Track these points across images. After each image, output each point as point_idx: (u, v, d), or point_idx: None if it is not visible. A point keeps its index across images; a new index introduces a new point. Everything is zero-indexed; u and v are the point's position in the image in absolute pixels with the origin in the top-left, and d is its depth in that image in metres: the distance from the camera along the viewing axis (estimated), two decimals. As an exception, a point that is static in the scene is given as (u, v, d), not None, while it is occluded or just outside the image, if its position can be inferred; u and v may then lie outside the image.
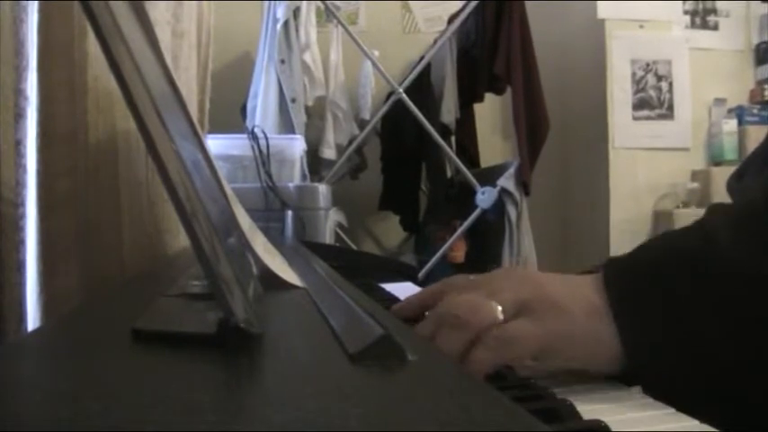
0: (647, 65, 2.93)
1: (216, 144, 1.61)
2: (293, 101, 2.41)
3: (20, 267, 0.54)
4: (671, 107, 2.94)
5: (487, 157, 2.98)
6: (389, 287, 0.80)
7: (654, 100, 2.93)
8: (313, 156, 2.46)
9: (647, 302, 0.40)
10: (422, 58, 2.60)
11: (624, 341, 0.39)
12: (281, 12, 2.39)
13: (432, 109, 2.52)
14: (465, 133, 2.83)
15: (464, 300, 0.43)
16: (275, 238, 1.13)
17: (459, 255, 2.55)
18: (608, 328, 0.40)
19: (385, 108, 2.44)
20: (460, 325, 0.40)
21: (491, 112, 3.22)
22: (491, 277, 0.45)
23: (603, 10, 2.90)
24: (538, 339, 0.40)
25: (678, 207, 2.84)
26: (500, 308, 0.40)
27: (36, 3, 0.57)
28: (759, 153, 0.65)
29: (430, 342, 0.40)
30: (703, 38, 3.05)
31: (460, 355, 0.39)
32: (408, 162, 2.78)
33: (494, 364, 0.39)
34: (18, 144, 0.55)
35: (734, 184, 0.69)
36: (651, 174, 2.90)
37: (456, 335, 0.40)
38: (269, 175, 1.53)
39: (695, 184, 2.86)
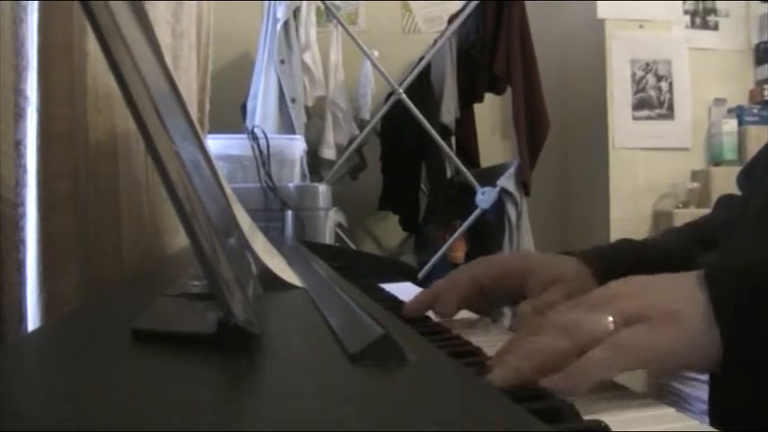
0: (647, 65, 2.93)
1: (216, 144, 1.61)
2: (293, 101, 2.41)
3: (20, 267, 0.54)
4: (671, 107, 2.94)
5: (487, 157, 2.98)
6: (389, 287, 0.80)
7: (654, 100, 2.93)
8: (313, 156, 2.46)
9: (746, 308, 0.40)
10: (422, 58, 2.60)
11: (724, 346, 0.39)
12: (281, 12, 2.39)
13: (431, 109, 2.52)
14: (465, 133, 2.83)
15: (574, 309, 0.42)
16: (275, 238, 1.13)
17: (459, 255, 2.55)
18: (716, 330, 0.39)
19: (385, 108, 2.44)
20: (568, 331, 0.39)
21: (491, 112, 3.22)
22: (599, 290, 0.44)
23: (603, 10, 2.90)
24: (655, 348, 0.39)
25: (678, 207, 2.84)
26: (611, 318, 0.39)
27: (36, 3, 0.57)
28: (767, 151, 0.65)
29: (525, 344, 0.40)
30: (703, 38, 3.05)
31: (561, 355, 0.38)
32: (408, 162, 2.78)
33: (609, 368, 0.37)
34: (18, 144, 0.55)
35: (743, 180, 0.70)
36: (651, 174, 2.90)
37: (561, 339, 0.39)
38: (269, 176, 1.53)
39: (695, 184, 2.85)
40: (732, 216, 0.62)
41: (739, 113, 2.98)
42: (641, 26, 2.92)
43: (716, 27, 3.08)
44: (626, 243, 0.68)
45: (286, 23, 2.40)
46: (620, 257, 0.64)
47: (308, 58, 2.50)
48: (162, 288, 0.49)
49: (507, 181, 2.39)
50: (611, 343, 0.38)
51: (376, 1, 3.20)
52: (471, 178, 2.43)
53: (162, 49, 0.38)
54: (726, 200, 0.74)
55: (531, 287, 0.58)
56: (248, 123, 2.33)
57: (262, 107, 2.38)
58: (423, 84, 2.54)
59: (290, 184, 1.58)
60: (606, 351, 0.37)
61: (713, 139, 3.00)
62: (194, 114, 1.30)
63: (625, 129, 2.90)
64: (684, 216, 2.73)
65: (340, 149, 2.59)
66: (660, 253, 0.66)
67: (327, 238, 1.65)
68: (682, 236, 0.71)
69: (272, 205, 1.50)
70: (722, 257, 0.59)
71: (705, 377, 0.49)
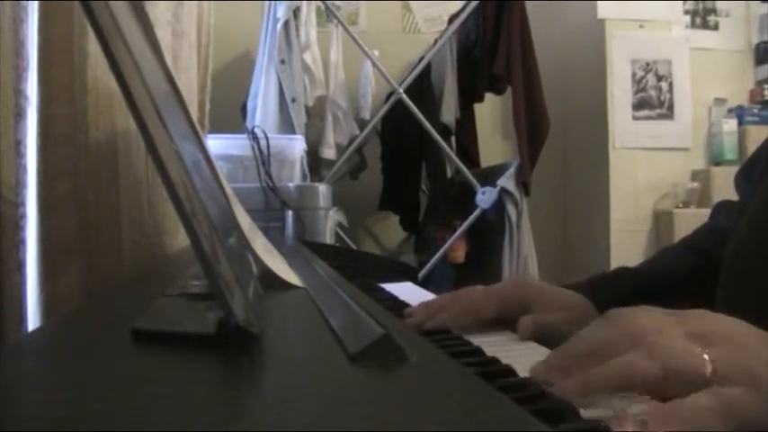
0: (648, 65, 2.93)
1: (216, 144, 1.61)
2: (293, 101, 2.41)
3: (20, 267, 0.54)
4: (671, 107, 2.94)
5: (487, 157, 2.98)
6: (389, 287, 0.80)
7: (654, 100, 2.93)
8: (313, 156, 2.46)
9: None
10: (422, 58, 2.60)
11: None
12: (282, 12, 2.39)
13: (432, 109, 2.52)
14: (465, 133, 2.83)
15: (670, 334, 0.36)
16: (275, 238, 1.13)
17: (460, 255, 2.55)
18: None
19: (385, 108, 2.44)
20: (657, 356, 0.34)
21: (491, 112, 3.22)
22: (706, 317, 0.38)
23: (603, 10, 2.90)
24: (759, 420, 0.33)
25: (678, 207, 2.84)
26: (710, 364, 0.34)
27: (36, 3, 0.57)
28: (766, 151, 0.65)
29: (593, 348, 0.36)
30: (703, 38, 3.05)
31: (647, 381, 0.33)
32: (408, 162, 2.78)
33: (716, 422, 0.32)
34: (18, 144, 0.55)
35: (741, 181, 0.69)
36: (651, 174, 2.90)
37: (649, 363, 0.34)
38: (269, 175, 1.53)
39: (695, 184, 2.85)
40: (730, 224, 0.62)
41: (739, 113, 2.98)
42: (641, 26, 2.92)
43: (716, 27, 3.08)
44: (624, 271, 0.67)
45: (286, 23, 2.40)
46: (619, 286, 0.63)
47: (308, 57, 2.50)
48: (162, 288, 0.49)
49: (507, 181, 2.39)
50: (722, 397, 0.32)
51: (376, 1, 3.20)
52: (471, 178, 2.43)
53: (162, 49, 0.38)
54: (723, 207, 0.74)
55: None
56: (248, 123, 2.33)
57: (262, 107, 2.38)
58: (423, 84, 2.55)
59: (290, 184, 1.58)
60: (716, 403, 0.32)
61: (713, 138, 3.00)
62: (194, 114, 1.30)
63: (625, 129, 2.90)
64: (684, 216, 2.73)
65: (340, 149, 2.59)
66: (659, 278, 0.66)
67: (327, 238, 1.65)
68: (678, 255, 0.70)
69: (272, 205, 1.50)
70: (724, 266, 0.58)
71: None
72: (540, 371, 0.37)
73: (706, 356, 0.34)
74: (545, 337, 0.54)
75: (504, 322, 0.59)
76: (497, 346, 0.50)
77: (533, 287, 0.61)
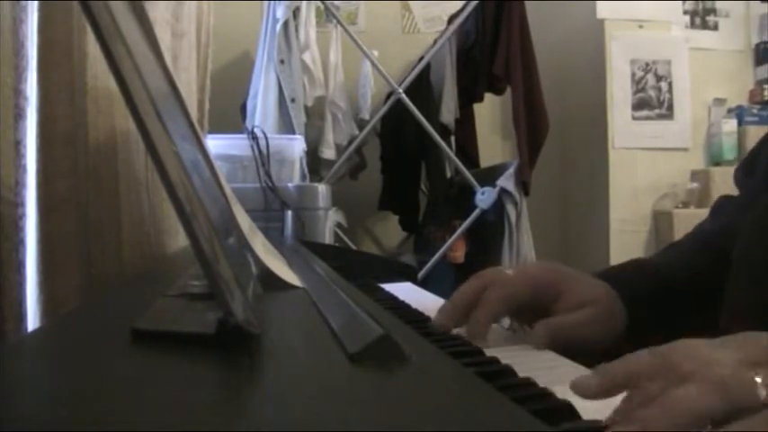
0: (647, 65, 2.93)
1: (216, 144, 1.61)
2: (293, 101, 2.41)
3: (20, 267, 0.54)
4: (670, 107, 2.95)
5: (487, 157, 2.98)
6: (389, 287, 0.80)
7: (653, 100, 2.93)
8: (313, 156, 2.46)
9: None
10: (421, 58, 2.60)
11: None
12: (281, 12, 2.39)
13: (431, 109, 2.52)
14: (465, 133, 2.83)
15: (720, 363, 0.33)
16: (275, 238, 1.13)
17: (459, 255, 2.55)
18: None
19: (385, 108, 2.44)
20: (713, 388, 0.31)
21: (491, 112, 3.22)
22: (747, 339, 0.35)
23: (603, 10, 2.90)
24: None
25: (678, 207, 2.84)
26: (764, 388, 0.31)
27: (36, 3, 0.57)
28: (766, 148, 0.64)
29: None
30: (703, 38, 3.05)
31: (707, 416, 0.30)
32: (408, 162, 2.78)
33: None
34: (18, 144, 0.55)
35: (741, 176, 0.69)
36: (651, 174, 2.90)
37: (708, 397, 0.31)
38: (268, 175, 1.53)
39: (695, 184, 2.86)
40: (734, 221, 0.61)
41: (739, 113, 2.98)
42: (641, 26, 2.92)
43: (716, 27, 3.08)
44: (640, 265, 0.66)
45: (285, 23, 2.40)
46: (642, 281, 0.63)
47: (307, 58, 2.50)
48: (162, 288, 0.49)
49: (507, 181, 2.39)
50: None
51: (376, 1, 3.20)
52: (471, 178, 2.43)
53: (162, 49, 0.38)
54: (725, 204, 0.73)
55: (562, 305, 0.56)
56: (248, 123, 2.33)
57: (261, 107, 2.38)
58: (422, 84, 2.54)
59: (290, 184, 1.58)
60: None
61: (713, 139, 3.00)
62: (194, 114, 1.30)
63: (625, 129, 2.91)
64: (684, 216, 2.73)
65: (340, 149, 2.59)
66: (677, 273, 0.65)
67: (327, 238, 1.65)
68: (688, 250, 0.69)
69: (271, 205, 1.50)
70: (733, 265, 0.58)
71: None
72: (590, 388, 0.34)
73: (758, 380, 0.31)
74: (562, 340, 0.52)
75: (533, 311, 0.57)
76: (496, 345, 0.50)
77: (564, 273, 0.59)
